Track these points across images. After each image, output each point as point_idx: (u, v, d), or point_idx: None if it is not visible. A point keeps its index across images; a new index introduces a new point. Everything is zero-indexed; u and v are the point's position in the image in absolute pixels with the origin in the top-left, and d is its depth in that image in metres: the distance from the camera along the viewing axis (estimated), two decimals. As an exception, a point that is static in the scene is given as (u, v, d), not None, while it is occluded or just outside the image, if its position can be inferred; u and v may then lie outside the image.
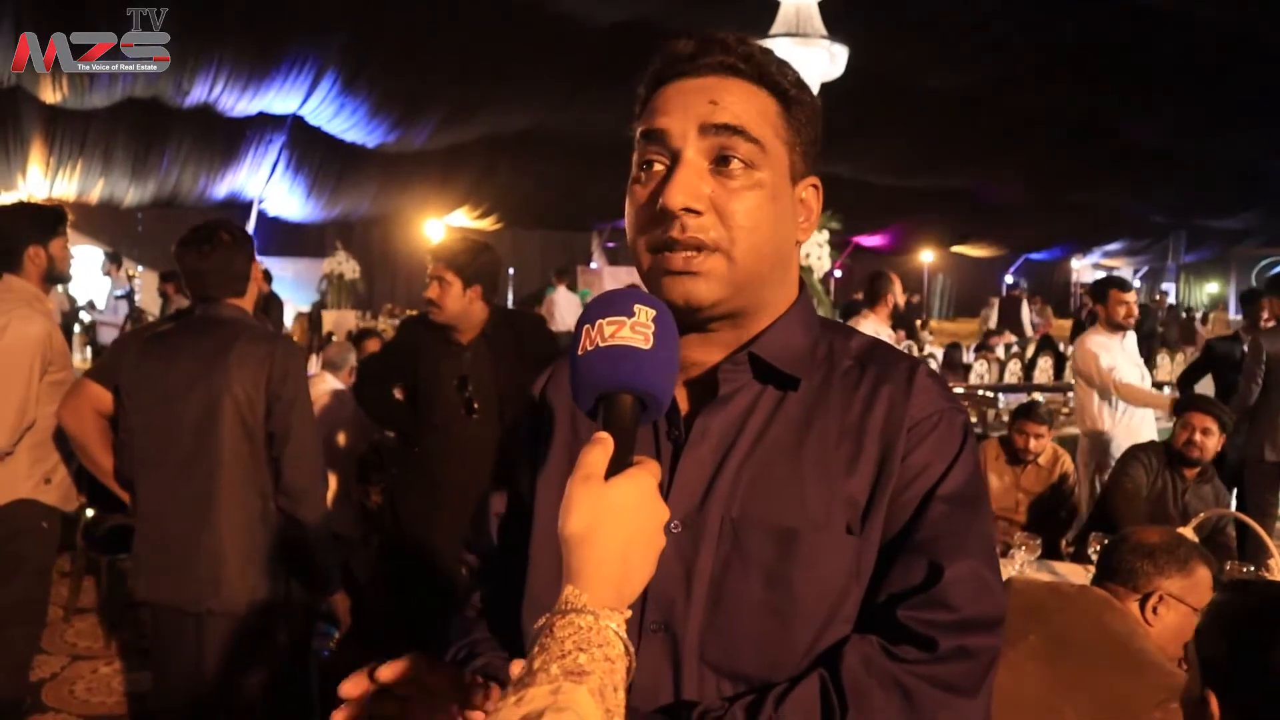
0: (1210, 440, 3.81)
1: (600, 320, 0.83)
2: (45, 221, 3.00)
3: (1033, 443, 4.27)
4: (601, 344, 0.81)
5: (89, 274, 10.66)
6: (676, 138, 0.92)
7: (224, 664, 2.47)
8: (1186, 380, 6.05)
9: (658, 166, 0.93)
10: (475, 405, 3.03)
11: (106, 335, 9.37)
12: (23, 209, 3.12)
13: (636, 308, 0.83)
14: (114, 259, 10.85)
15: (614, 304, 0.84)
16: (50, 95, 11.75)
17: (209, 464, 2.42)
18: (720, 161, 0.92)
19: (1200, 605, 2.05)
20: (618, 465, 0.79)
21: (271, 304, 8.29)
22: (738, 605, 0.91)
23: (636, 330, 0.82)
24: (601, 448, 0.79)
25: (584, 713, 0.67)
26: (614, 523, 0.76)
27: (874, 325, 4.94)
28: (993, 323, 15.81)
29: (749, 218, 0.92)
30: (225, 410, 2.41)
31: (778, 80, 0.95)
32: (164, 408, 2.45)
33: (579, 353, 0.82)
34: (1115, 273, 27.23)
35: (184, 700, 2.51)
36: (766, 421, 0.96)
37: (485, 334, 3.05)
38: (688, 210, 0.90)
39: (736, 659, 0.91)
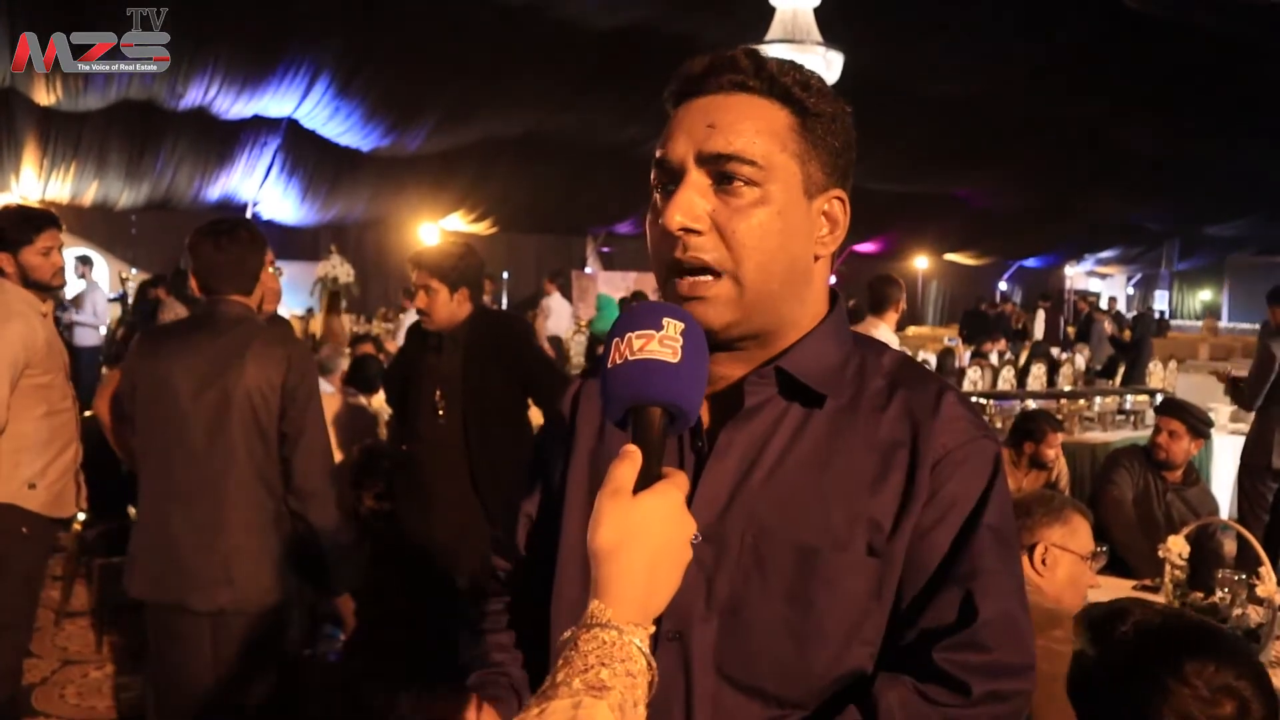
0: (1177, 444, 3.81)
1: (630, 334, 0.83)
2: (18, 228, 2.92)
3: (1052, 453, 4.28)
4: (631, 357, 0.82)
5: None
6: (677, 163, 0.93)
7: (232, 665, 2.44)
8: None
9: (668, 189, 0.94)
10: (440, 410, 3.02)
11: (84, 337, 9.25)
12: None
13: (665, 321, 0.83)
14: (84, 261, 10.86)
15: (643, 317, 0.84)
16: (44, 97, 11.72)
17: (222, 462, 2.41)
18: (722, 180, 0.92)
19: (1084, 551, 2.09)
20: (646, 478, 0.80)
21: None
22: (757, 620, 0.91)
23: (665, 344, 0.82)
24: (630, 462, 0.80)
25: None
26: (641, 538, 0.77)
27: (887, 333, 4.77)
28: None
29: (752, 236, 0.91)
30: (240, 409, 2.40)
31: (793, 92, 0.94)
32: (173, 404, 2.43)
33: (609, 365, 0.83)
34: (1108, 279, 27.38)
35: (187, 702, 2.47)
36: (792, 437, 0.95)
37: (455, 336, 3.04)
38: (687, 230, 0.91)
39: (753, 673, 0.91)
